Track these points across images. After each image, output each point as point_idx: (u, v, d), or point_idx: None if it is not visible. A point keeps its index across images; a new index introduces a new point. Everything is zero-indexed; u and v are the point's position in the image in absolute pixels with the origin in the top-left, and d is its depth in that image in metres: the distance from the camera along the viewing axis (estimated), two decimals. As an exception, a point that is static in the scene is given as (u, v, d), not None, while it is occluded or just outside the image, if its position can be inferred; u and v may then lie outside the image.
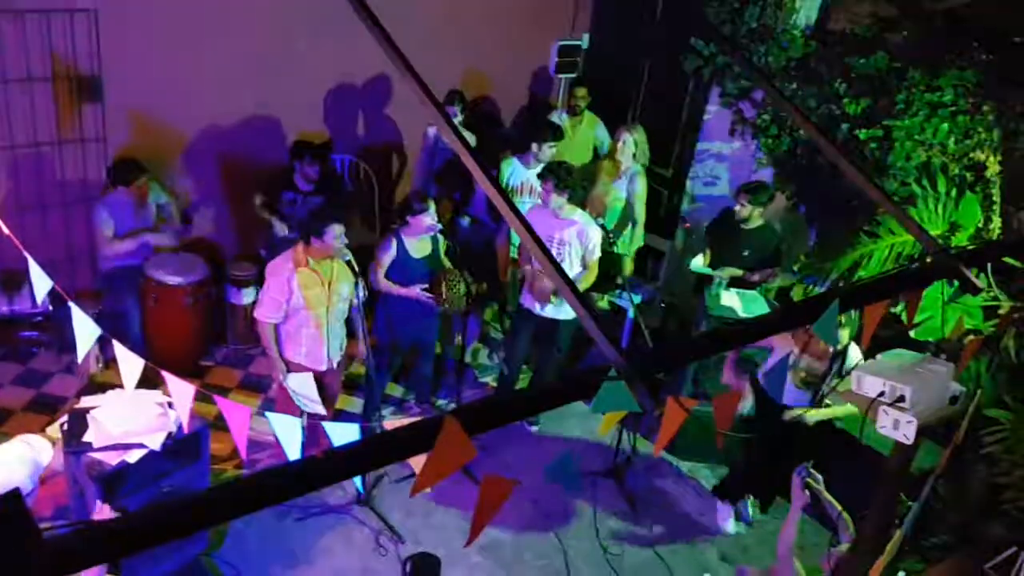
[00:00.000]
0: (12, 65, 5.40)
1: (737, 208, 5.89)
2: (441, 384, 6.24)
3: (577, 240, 5.47)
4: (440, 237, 5.43)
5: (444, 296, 5.22)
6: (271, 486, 1.35)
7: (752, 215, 5.87)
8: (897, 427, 2.55)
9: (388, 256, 5.27)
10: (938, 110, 5.59)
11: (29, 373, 5.82)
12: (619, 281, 6.26)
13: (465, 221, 6.72)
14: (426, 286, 5.28)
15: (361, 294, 4.88)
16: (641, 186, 6.38)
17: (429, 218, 5.16)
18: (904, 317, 2.65)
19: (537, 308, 5.62)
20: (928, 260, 2.50)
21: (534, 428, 6.00)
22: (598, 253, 5.56)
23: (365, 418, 5.54)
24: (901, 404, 2.56)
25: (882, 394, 2.58)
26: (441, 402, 6.16)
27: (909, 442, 2.55)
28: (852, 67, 6.02)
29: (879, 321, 2.36)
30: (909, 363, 2.71)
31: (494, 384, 6.37)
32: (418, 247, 5.33)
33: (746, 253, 5.98)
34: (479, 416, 1.54)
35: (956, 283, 2.43)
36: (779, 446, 4.95)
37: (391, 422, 5.10)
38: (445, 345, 6.34)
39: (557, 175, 5.31)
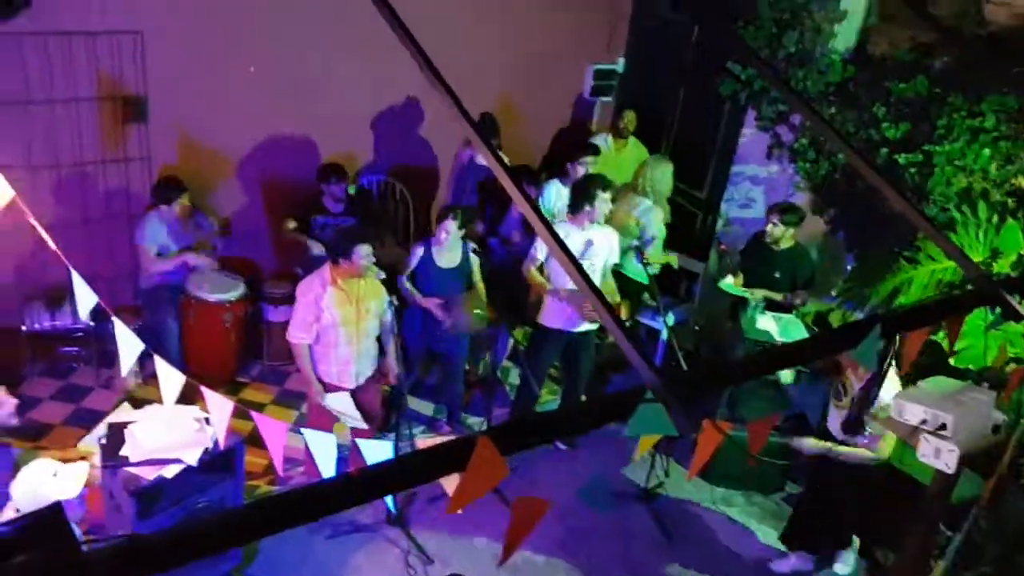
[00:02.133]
0: (59, 85, 5.52)
1: (768, 227, 5.86)
2: (470, 401, 6.23)
3: (607, 249, 5.55)
4: (473, 256, 5.47)
5: (459, 317, 5.27)
6: (306, 503, 1.35)
7: (783, 235, 5.83)
8: (939, 455, 2.51)
9: (414, 259, 5.45)
10: (979, 135, 5.52)
11: (69, 388, 5.90)
12: (652, 303, 6.21)
13: (495, 241, 6.73)
14: (443, 301, 5.32)
15: (392, 313, 4.91)
16: (656, 219, 6.30)
17: (448, 228, 5.28)
18: (945, 344, 2.61)
19: (560, 324, 5.58)
20: (969, 287, 2.46)
21: (567, 448, 5.96)
22: (617, 259, 5.69)
23: (396, 436, 5.55)
24: (943, 432, 2.52)
25: (924, 422, 2.54)
26: (472, 420, 6.15)
27: (951, 471, 2.51)
28: (892, 91, 5.96)
29: (920, 348, 2.33)
30: (951, 391, 2.67)
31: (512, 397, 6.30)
32: (446, 257, 5.38)
33: (777, 275, 5.94)
34: (513, 435, 1.53)
35: (998, 310, 2.39)
36: (837, 494, 4.82)
37: (422, 440, 5.12)
38: (476, 361, 6.34)
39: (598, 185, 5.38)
